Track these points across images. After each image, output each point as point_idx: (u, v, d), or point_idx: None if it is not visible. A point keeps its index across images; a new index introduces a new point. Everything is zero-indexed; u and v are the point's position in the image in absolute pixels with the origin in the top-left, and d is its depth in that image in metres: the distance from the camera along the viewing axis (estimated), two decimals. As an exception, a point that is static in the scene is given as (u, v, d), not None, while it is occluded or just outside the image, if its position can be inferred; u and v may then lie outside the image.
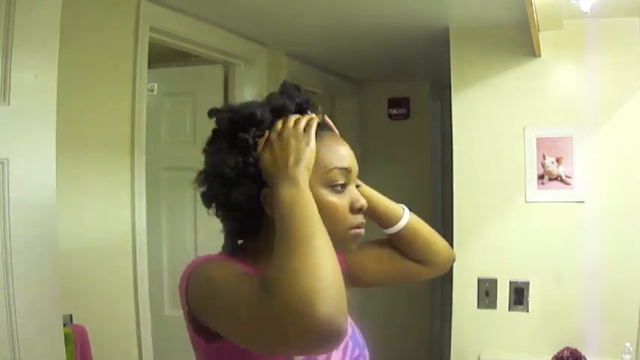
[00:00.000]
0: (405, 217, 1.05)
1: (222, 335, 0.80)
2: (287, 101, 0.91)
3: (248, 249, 0.92)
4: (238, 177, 0.85)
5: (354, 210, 0.89)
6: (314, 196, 0.83)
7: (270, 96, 0.93)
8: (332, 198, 0.87)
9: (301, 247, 0.72)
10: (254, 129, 0.88)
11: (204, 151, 0.92)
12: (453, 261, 1.14)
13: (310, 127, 0.87)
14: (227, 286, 0.78)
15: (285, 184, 0.80)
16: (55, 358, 1.28)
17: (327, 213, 0.83)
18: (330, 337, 0.67)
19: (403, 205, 1.09)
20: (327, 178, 0.86)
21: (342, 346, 0.94)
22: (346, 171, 0.88)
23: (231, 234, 0.92)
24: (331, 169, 0.87)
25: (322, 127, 0.91)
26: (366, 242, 1.06)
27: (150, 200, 1.95)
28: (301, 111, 0.92)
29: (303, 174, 0.82)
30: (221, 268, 0.84)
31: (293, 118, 0.89)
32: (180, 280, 0.87)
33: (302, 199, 0.79)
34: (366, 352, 1.00)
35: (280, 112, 0.90)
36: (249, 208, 0.86)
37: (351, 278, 1.05)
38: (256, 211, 0.87)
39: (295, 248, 0.73)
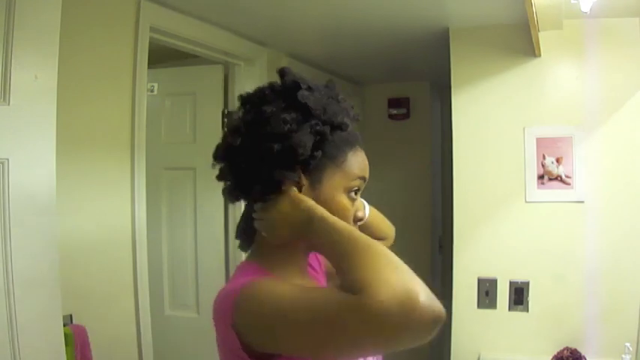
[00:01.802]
0: (367, 212, 1.14)
1: (295, 356, 0.79)
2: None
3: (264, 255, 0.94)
4: (310, 156, 0.89)
5: (356, 218, 0.97)
6: (333, 198, 0.91)
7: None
8: (348, 203, 0.94)
9: (370, 255, 0.76)
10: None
11: (248, 125, 0.93)
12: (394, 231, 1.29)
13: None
14: (299, 303, 0.77)
15: (317, 221, 0.85)
16: (55, 358, 1.29)
17: (339, 214, 0.89)
18: (435, 319, 0.71)
19: (362, 200, 1.14)
20: (349, 185, 0.93)
21: None
22: (364, 180, 0.97)
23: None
24: (355, 178, 0.94)
25: (358, 140, 0.99)
26: None
27: (150, 200, 1.95)
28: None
29: (317, 208, 0.87)
30: (276, 286, 0.82)
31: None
32: (218, 312, 0.85)
33: (337, 223, 0.83)
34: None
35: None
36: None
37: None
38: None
39: (365, 257, 0.76)
